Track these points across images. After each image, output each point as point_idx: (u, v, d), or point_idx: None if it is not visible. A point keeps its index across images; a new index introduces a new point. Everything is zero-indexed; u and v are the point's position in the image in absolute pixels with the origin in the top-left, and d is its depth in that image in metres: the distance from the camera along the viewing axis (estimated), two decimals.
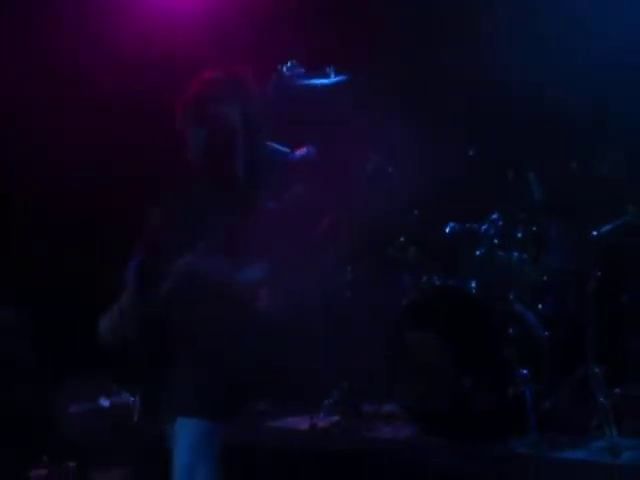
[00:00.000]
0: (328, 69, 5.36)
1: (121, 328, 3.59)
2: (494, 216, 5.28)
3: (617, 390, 4.81)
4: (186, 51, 5.97)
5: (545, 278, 5.20)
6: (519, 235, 5.22)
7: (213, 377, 3.59)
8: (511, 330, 4.92)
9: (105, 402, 5.56)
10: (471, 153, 5.37)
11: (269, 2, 6.42)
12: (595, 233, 4.99)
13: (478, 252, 5.29)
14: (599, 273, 4.95)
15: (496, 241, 5.26)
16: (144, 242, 3.67)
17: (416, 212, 5.58)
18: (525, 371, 4.81)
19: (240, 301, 3.65)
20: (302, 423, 5.33)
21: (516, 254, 5.21)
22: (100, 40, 6.11)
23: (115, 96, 6.04)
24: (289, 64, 5.30)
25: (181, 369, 3.60)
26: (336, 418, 5.38)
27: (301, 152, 4.19)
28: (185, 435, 3.56)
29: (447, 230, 5.41)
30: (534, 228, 5.24)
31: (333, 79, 5.37)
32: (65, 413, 5.57)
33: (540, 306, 5.15)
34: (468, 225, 5.38)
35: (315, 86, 5.40)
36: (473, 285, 5.20)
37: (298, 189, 3.82)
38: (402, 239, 5.56)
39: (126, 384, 5.57)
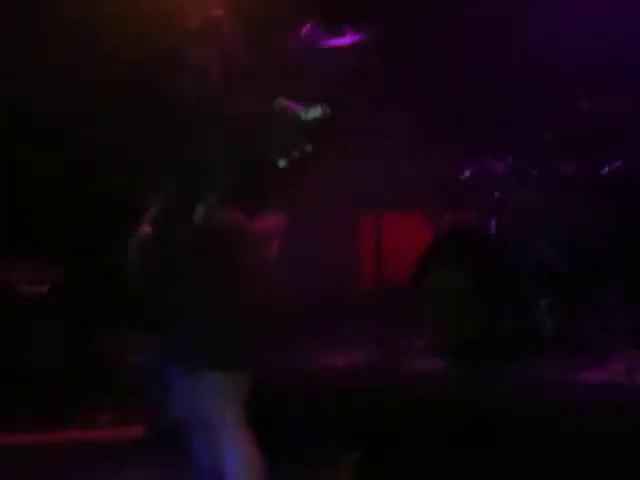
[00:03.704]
0: (345, 28, 5.62)
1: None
2: (509, 159, 5.52)
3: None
4: None
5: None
6: (534, 174, 5.44)
7: (240, 332, 3.91)
8: (529, 261, 5.19)
9: None
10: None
11: None
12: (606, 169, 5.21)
13: (497, 193, 5.54)
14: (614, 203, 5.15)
15: (513, 182, 5.49)
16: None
17: None
18: (544, 299, 5.07)
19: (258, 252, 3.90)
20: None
21: (532, 192, 5.44)
22: None
23: None
24: (308, 25, 5.57)
25: (205, 324, 3.88)
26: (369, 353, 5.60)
27: None
28: (216, 386, 3.88)
29: (466, 173, 5.66)
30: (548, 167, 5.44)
31: (350, 38, 5.63)
32: (125, 362, 5.91)
33: (555, 236, 5.35)
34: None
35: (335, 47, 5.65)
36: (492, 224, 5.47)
37: None
38: None
39: None
